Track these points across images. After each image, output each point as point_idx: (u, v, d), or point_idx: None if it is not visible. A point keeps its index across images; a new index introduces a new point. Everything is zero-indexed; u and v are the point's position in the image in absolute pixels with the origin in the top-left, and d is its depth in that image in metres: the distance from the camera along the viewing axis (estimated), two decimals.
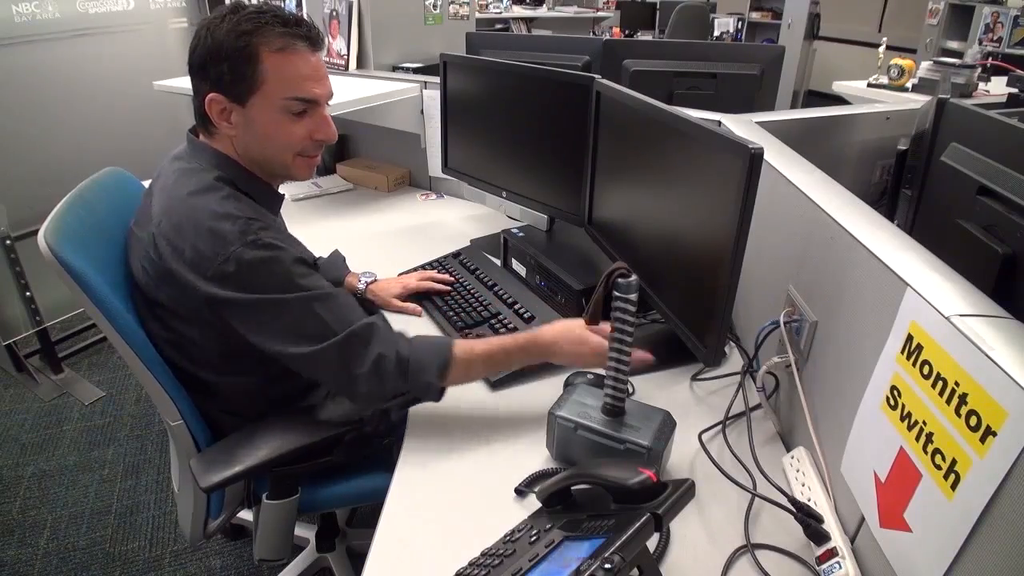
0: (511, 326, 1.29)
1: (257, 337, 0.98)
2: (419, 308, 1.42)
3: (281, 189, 1.15)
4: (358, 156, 2.42)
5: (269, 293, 0.95)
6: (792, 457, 0.97)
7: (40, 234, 0.96)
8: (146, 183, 1.32)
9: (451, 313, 1.36)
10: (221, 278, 0.94)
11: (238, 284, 0.94)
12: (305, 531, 1.65)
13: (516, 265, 1.56)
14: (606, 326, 1.05)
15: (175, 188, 1.01)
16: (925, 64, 2.59)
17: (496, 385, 1.16)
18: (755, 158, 0.86)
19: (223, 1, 2.80)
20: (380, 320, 1.04)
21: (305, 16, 1.04)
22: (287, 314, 0.96)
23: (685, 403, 1.14)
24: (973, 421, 0.57)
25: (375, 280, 1.48)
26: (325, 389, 1.24)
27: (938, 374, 0.62)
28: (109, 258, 1.07)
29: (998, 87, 2.56)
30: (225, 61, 0.96)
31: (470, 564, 0.78)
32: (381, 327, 1.03)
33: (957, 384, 0.59)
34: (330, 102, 1.07)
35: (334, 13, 2.19)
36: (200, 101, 1.01)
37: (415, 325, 1.39)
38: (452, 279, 1.49)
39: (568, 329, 1.09)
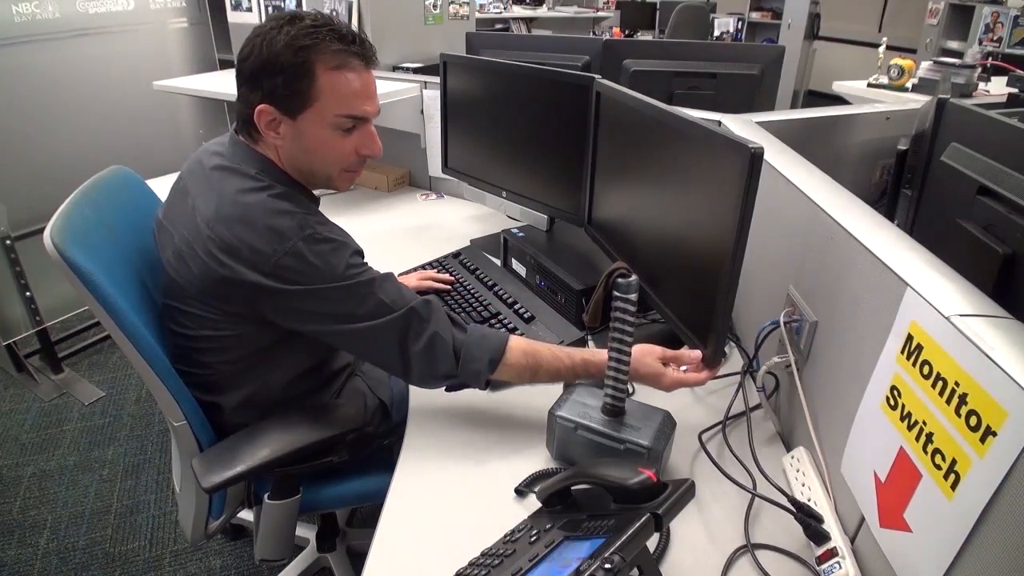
0: (511, 326, 1.29)
1: (313, 326, 1.00)
2: None
3: None
4: None
5: (330, 282, 0.96)
6: (792, 457, 0.97)
7: (46, 233, 0.96)
8: (151, 182, 1.33)
9: (451, 313, 1.36)
10: (281, 272, 0.95)
11: (298, 277, 0.95)
12: (305, 531, 1.65)
13: (516, 265, 1.56)
14: (686, 353, 1.06)
15: (223, 187, 1.00)
16: (925, 64, 2.59)
17: (497, 385, 1.16)
18: (755, 158, 0.86)
19: (223, 1, 2.80)
20: (437, 302, 1.06)
21: (355, 28, 1.04)
22: (347, 300, 0.98)
23: (685, 403, 1.14)
24: (973, 421, 0.57)
25: None
26: (338, 386, 1.24)
27: (938, 374, 0.62)
28: (114, 257, 1.07)
29: (998, 87, 2.56)
30: (280, 74, 0.96)
31: (470, 564, 0.78)
32: (439, 308, 1.05)
33: (957, 384, 0.59)
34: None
35: (334, 13, 2.19)
36: (248, 110, 1.00)
37: None
38: (452, 279, 1.49)
39: (642, 363, 1.04)
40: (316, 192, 1.12)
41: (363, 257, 1.03)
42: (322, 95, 0.97)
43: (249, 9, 2.70)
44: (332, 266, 0.97)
